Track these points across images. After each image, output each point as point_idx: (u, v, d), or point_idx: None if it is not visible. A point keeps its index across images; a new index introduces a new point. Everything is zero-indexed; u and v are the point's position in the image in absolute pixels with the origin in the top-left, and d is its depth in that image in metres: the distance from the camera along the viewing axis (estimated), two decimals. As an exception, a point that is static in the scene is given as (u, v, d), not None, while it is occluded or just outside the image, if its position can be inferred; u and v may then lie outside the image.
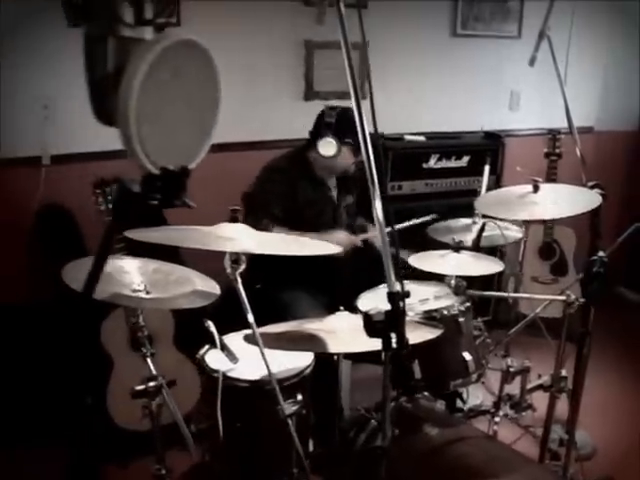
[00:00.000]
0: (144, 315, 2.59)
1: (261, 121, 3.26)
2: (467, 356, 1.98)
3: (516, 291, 3.09)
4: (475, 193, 2.75)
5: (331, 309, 2.03)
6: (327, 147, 2.61)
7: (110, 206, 2.63)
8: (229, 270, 1.46)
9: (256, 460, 2.03)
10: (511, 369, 1.98)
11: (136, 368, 2.60)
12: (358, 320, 1.80)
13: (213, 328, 1.86)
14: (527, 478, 1.76)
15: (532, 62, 2.45)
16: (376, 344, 1.32)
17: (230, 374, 1.96)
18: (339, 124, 2.65)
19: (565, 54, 3.82)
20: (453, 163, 3.46)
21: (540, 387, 2.11)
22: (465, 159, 3.49)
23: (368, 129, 1.35)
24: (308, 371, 1.99)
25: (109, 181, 2.66)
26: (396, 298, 1.25)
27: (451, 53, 3.71)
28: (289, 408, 1.55)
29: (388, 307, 1.26)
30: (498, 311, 3.53)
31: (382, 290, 2.31)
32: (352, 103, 1.34)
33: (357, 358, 2.28)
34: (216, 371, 1.93)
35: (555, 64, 2.38)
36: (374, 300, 2.22)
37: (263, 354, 1.53)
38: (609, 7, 4.05)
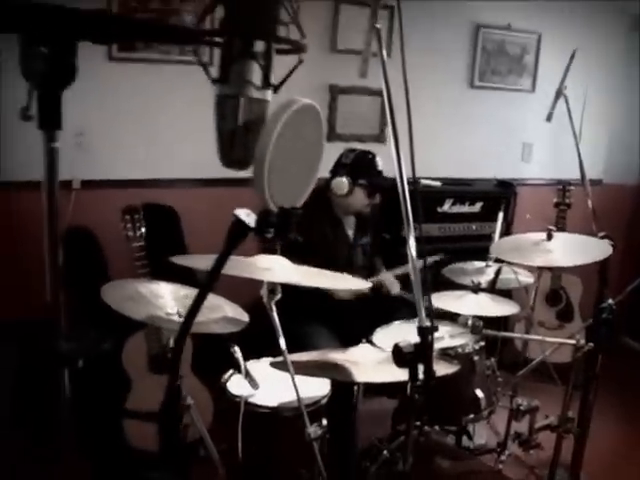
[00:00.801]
0: (163, 339, 2.71)
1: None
2: (479, 393, 2.07)
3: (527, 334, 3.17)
4: (487, 238, 2.86)
5: (345, 343, 2.12)
6: (339, 186, 2.73)
7: (137, 233, 2.74)
8: (265, 299, 1.55)
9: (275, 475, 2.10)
10: (521, 407, 2.06)
11: (153, 390, 2.68)
12: (379, 353, 1.91)
13: (239, 354, 1.94)
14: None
15: (549, 118, 2.58)
16: (400, 375, 1.41)
17: (251, 400, 2.04)
18: (354, 166, 2.78)
19: (581, 112, 3.97)
20: (467, 208, 3.57)
21: (548, 427, 2.18)
22: (478, 205, 3.60)
23: (402, 172, 1.44)
24: (325, 400, 2.08)
25: (137, 208, 2.77)
26: (425, 332, 1.35)
27: (468, 103, 3.86)
28: (315, 432, 1.62)
29: (416, 340, 1.36)
30: (504, 353, 3.60)
31: (396, 326, 2.43)
32: (391, 146, 1.44)
33: (371, 390, 2.35)
34: (238, 396, 2.02)
35: (571, 121, 2.51)
36: (389, 335, 2.31)
37: (293, 379, 1.62)
38: (619, 66, 4.24)
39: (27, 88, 0.79)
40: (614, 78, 4.27)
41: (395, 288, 2.90)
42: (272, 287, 1.55)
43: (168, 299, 1.90)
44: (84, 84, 2.96)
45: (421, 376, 1.37)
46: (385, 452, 2.13)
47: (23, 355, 2.81)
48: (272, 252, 1.56)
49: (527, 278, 2.69)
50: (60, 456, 1.40)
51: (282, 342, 1.62)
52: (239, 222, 1.02)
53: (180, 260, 1.62)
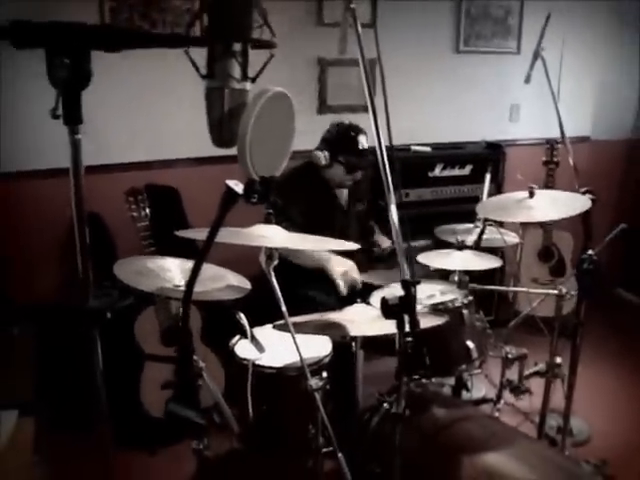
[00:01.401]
0: (173, 312, 2.86)
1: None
2: (470, 344, 2.21)
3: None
4: (478, 200, 2.98)
5: (341, 304, 2.25)
6: (317, 158, 2.83)
7: (141, 213, 2.87)
8: (264, 264, 1.69)
9: (281, 438, 2.26)
10: (509, 355, 2.20)
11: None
12: (372, 310, 2.05)
13: (244, 320, 2.08)
14: (525, 450, 1.97)
15: (528, 79, 2.69)
16: (390, 328, 1.55)
17: (258, 362, 2.19)
18: (335, 141, 2.85)
19: (558, 71, 4.07)
20: (457, 172, 3.69)
21: (537, 373, 2.33)
22: (468, 168, 3.72)
23: (380, 141, 1.57)
24: (327, 360, 2.23)
25: (140, 190, 2.90)
26: (408, 285, 1.48)
27: (454, 68, 3.94)
28: (316, 383, 1.77)
29: (402, 294, 1.49)
30: (500, 311, 3.74)
31: (391, 288, 2.57)
32: (370, 118, 1.57)
33: (372, 350, 2.49)
34: (245, 359, 2.17)
35: (549, 82, 2.62)
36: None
37: (294, 337, 1.76)
38: (600, 25, 4.30)
39: (56, 93, 0.92)
40: (596, 35, 4.33)
41: (385, 242, 3.04)
42: (269, 253, 1.68)
43: (175, 272, 2.03)
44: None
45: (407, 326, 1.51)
46: (385, 404, 2.28)
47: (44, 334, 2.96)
48: (268, 222, 1.69)
49: (512, 238, 2.82)
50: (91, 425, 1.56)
51: (282, 304, 1.76)
52: (229, 190, 1.17)
53: (184, 233, 1.76)
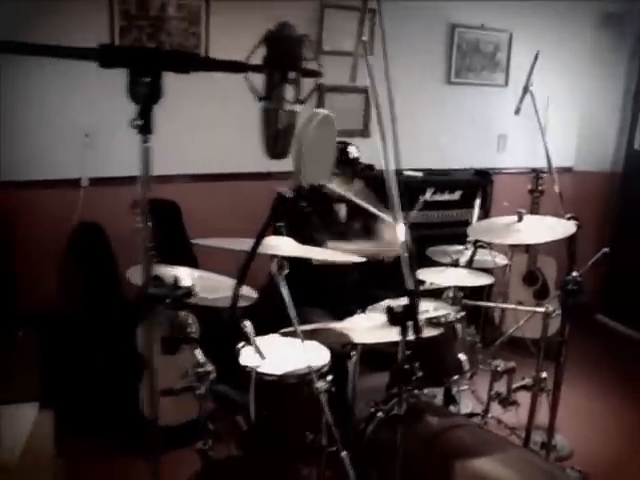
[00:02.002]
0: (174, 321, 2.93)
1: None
2: (462, 356, 2.33)
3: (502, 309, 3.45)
4: (466, 224, 3.11)
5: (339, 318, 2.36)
6: None
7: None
8: (275, 273, 1.80)
9: (280, 443, 2.35)
10: (499, 368, 2.33)
11: (166, 370, 2.92)
12: (371, 321, 2.17)
13: (250, 327, 2.18)
14: (513, 456, 2.08)
15: (517, 112, 2.87)
16: (389, 336, 1.67)
17: (259, 370, 2.29)
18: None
19: (545, 105, 4.27)
20: (447, 196, 3.85)
21: (524, 387, 2.46)
22: (457, 193, 3.88)
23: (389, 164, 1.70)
24: (327, 368, 2.33)
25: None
26: (412, 294, 1.61)
27: (446, 99, 4.13)
28: (322, 386, 1.87)
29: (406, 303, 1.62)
30: (486, 331, 3.87)
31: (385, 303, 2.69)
32: (378, 141, 1.70)
33: (365, 364, 2.60)
34: (249, 367, 2.26)
35: (537, 115, 2.79)
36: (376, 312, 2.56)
37: (302, 340, 1.87)
38: (584, 61, 4.54)
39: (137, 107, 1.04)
40: (582, 74, 4.56)
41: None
42: (281, 263, 1.79)
43: (186, 279, 2.14)
44: (89, 89, 3.22)
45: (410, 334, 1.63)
46: (380, 413, 2.38)
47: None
48: (280, 234, 1.81)
49: (502, 259, 2.96)
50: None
51: (292, 310, 1.87)
52: (281, 195, 1.29)
53: (201, 241, 1.87)
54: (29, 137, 3.17)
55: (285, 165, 3.97)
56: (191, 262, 3.22)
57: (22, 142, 3.16)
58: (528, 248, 3.89)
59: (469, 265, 2.52)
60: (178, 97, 3.38)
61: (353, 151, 2.94)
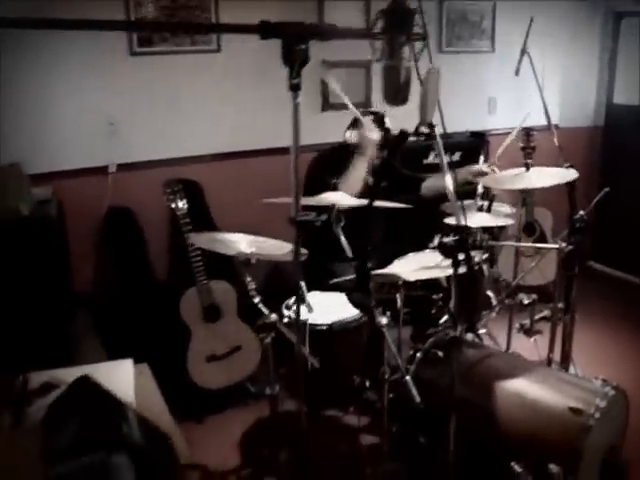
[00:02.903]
0: (213, 292, 3.15)
1: (287, 130, 3.85)
2: (490, 293, 2.60)
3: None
4: (467, 183, 3.38)
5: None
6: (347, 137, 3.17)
7: (179, 203, 3.15)
8: (334, 224, 2.03)
9: (332, 387, 2.60)
10: (524, 301, 2.61)
11: (209, 336, 3.15)
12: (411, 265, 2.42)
13: (304, 287, 2.41)
14: (544, 375, 2.35)
15: (517, 72, 3.11)
16: (436, 273, 1.93)
17: (310, 321, 2.54)
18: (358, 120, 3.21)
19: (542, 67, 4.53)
20: (448, 158, 4.10)
21: (544, 318, 2.74)
22: (457, 154, 4.13)
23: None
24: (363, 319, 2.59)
25: (176, 181, 3.20)
26: (463, 229, 1.86)
27: (440, 67, 4.35)
28: (383, 319, 2.11)
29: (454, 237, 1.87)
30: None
31: (410, 257, 2.94)
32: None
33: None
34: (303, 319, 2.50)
35: (535, 75, 3.04)
36: (405, 264, 2.81)
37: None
38: (563, 26, 4.81)
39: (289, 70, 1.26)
40: (561, 36, 4.83)
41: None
42: (338, 215, 2.03)
43: (242, 243, 2.36)
44: (111, 78, 3.40)
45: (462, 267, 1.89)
46: (419, 354, 2.63)
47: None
48: (335, 190, 2.05)
49: (509, 209, 3.22)
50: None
51: (349, 251, 2.09)
52: (403, 132, 1.54)
53: (270, 200, 2.08)
54: (57, 128, 3.33)
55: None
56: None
57: (51, 133, 3.32)
58: (525, 201, 4.15)
59: (489, 210, 2.76)
60: (197, 78, 3.61)
61: (387, 122, 3.16)
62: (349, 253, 2.14)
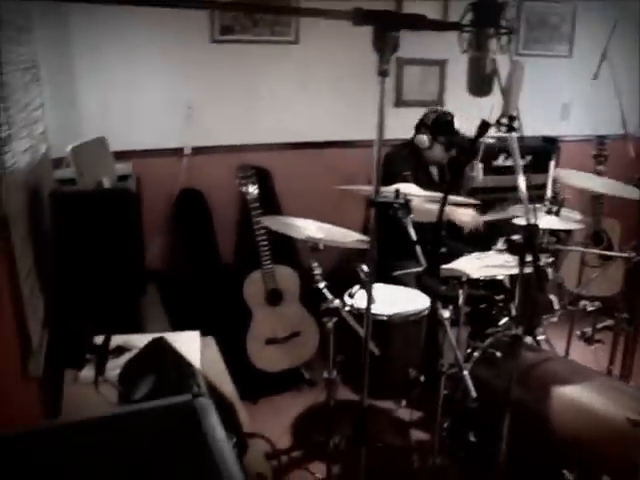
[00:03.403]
0: (277, 276, 3.23)
1: (359, 124, 3.90)
2: (553, 297, 2.58)
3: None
4: (535, 187, 3.33)
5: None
6: (421, 141, 3.24)
7: (250, 188, 3.24)
8: (401, 215, 2.06)
9: (386, 380, 2.63)
10: (588, 308, 2.58)
11: (270, 319, 3.23)
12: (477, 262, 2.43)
13: (366, 271, 2.45)
14: (601, 384, 2.33)
15: (596, 76, 3.07)
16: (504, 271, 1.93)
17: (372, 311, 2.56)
18: (435, 125, 3.26)
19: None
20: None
21: (606, 327, 2.70)
22: (527, 158, 4.07)
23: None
24: (426, 312, 2.61)
25: (249, 166, 3.29)
26: (531, 227, 1.87)
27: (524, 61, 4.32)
28: (446, 312, 2.13)
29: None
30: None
31: (475, 256, 2.94)
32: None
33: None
34: (362, 309, 2.53)
35: (614, 81, 3.00)
36: (469, 262, 2.82)
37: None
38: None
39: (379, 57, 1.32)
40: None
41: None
42: (407, 206, 2.06)
43: (310, 229, 2.43)
44: (191, 64, 3.53)
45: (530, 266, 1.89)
46: (476, 353, 2.63)
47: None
48: (406, 182, 2.08)
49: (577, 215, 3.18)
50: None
51: (418, 249, 2.13)
52: (484, 122, 1.58)
53: (346, 187, 2.13)
54: (139, 109, 3.48)
55: (365, 134, 4.29)
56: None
57: (133, 113, 3.47)
58: (594, 210, 4.08)
59: (557, 214, 2.74)
60: (273, 69, 3.70)
61: (457, 123, 3.22)
62: (417, 247, 2.17)
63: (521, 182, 1.91)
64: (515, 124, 1.76)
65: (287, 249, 3.59)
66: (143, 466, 0.99)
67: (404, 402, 2.97)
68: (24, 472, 0.97)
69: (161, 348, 1.60)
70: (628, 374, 2.75)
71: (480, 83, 1.82)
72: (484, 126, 1.70)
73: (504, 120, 1.76)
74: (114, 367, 1.89)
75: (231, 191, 3.57)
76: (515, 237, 1.86)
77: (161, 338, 1.64)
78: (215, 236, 3.74)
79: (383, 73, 1.38)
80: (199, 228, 3.68)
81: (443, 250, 1.81)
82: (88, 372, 1.95)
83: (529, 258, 1.88)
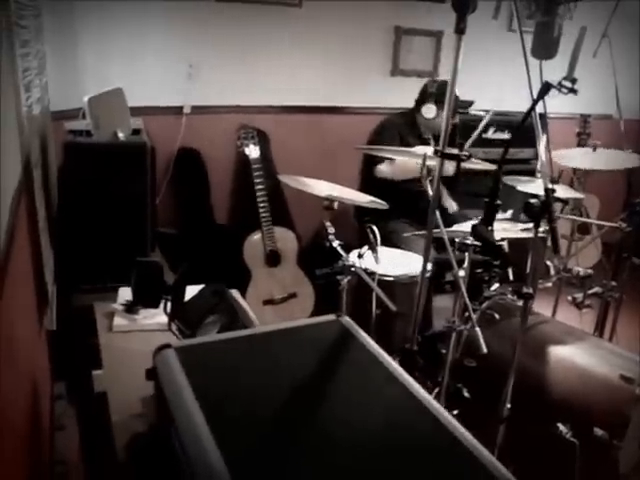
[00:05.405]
0: (276, 237, 3.30)
1: (356, 91, 3.96)
2: (549, 262, 2.72)
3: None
4: (522, 161, 3.50)
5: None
6: (428, 110, 3.30)
7: (252, 148, 3.27)
8: (423, 180, 2.14)
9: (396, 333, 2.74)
10: (580, 273, 2.72)
11: (268, 280, 3.30)
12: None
13: (376, 232, 2.52)
14: (593, 345, 2.47)
15: (595, 54, 3.18)
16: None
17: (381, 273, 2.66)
18: (439, 94, 3.32)
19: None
20: (506, 135, 4.19)
21: (595, 294, 2.85)
22: (508, 133, 4.22)
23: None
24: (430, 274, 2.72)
25: (250, 127, 3.32)
26: (549, 192, 1.97)
27: (506, 46, 4.41)
28: (461, 271, 2.23)
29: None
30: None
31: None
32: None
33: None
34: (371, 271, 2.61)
35: (612, 61, 3.11)
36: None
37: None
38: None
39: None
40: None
41: (453, 207, 3.52)
42: (428, 168, 2.14)
43: (326, 189, 2.48)
44: (194, 22, 3.51)
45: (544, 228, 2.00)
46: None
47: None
48: (426, 144, 2.15)
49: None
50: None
51: (437, 214, 2.19)
52: (547, 83, 1.66)
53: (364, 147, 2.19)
54: (144, 64, 3.45)
55: (360, 102, 4.34)
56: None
57: (139, 68, 3.45)
58: (575, 186, 4.24)
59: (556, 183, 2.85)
60: (271, 31, 3.70)
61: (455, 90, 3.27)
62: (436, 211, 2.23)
63: (541, 151, 2.00)
64: (575, 87, 1.82)
65: (280, 211, 3.64)
66: (317, 366, 1.37)
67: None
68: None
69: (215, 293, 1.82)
70: (612, 337, 2.93)
71: (548, 46, 1.90)
72: (546, 87, 1.78)
73: (566, 83, 1.81)
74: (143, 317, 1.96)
75: (228, 152, 3.60)
76: (532, 200, 1.96)
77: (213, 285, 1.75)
78: (210, 196, 3.76)
79: (460, 31, 1.47)
80: (196, 187, 3.70)
81: (499, 202, 1.88)
82: (121, 320, 2.00)
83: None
